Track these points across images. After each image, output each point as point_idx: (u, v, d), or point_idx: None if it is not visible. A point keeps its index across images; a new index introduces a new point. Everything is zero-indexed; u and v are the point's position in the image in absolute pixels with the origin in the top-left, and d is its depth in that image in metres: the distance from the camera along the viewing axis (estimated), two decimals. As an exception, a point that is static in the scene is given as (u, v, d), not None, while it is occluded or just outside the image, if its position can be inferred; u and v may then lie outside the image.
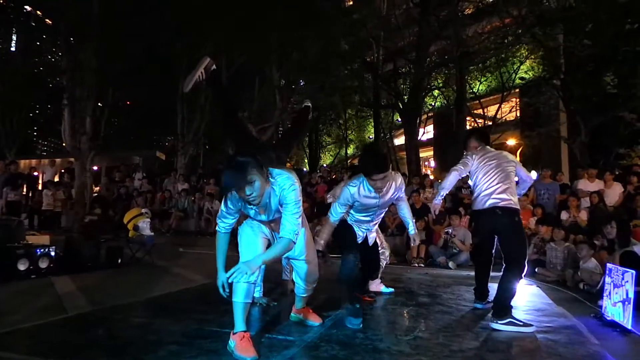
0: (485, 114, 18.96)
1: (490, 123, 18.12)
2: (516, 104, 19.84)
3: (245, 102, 14.42)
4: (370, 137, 25.75)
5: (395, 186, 3.72)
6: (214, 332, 3.05)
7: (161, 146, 25.65)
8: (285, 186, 2.57)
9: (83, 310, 3.50)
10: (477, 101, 18.51)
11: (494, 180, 3.79)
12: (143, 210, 6.71)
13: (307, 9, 12.50)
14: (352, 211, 3.85)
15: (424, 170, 20.92)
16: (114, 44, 14.10)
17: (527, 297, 4.65)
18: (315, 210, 9.21)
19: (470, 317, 3.59)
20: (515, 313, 3.44)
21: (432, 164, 24.19)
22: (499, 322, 3.29)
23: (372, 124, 22.79)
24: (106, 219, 9.32)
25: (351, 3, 19.28)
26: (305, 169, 23.21)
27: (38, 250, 4.86)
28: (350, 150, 27.25)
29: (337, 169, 19.65)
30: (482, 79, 18.57)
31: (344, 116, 24.76)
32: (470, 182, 4.28)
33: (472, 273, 6.00)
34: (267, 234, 2.88)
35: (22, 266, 4.67)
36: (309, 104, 4.51)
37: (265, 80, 14.05)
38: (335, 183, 10.59)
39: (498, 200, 3.67)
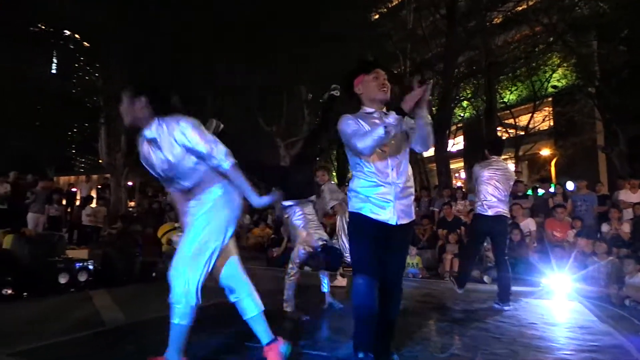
0: (517, 123, 18.55)
1: (522, 133, 17.70)
2: (549, 113, 19.34)
3: (274, 118, 14.60)
4: (399, 149, 25.53)
5: None
6: (244, 346, 3.04)
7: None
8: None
9: (119, 323, 3.57)
10: (508, 111, 18.14)
11: (501, 191, 4.62)
12: (176, 225, 6.82)
13: (331, 25, 12.63)
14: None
15: (454, 182, 20.56)
16: (147, 64, 14.61)
17: (568, 314, 4.46)
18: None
19: (510, 335, 3.45)
20: (557, 331, 3.30)
21: (463, 175, 23.74)
22: (505, 305, 4.48)
23: (400, 136, 22.59)
24: (126, 233, 9.62)
25: (377, 17, 19.33)
26: (333, 182, 23.17)
27: (77, 264, 5.01)
28: (378, 163, 27.04)
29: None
30: (513, 89, 18.22)
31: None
32: (476, 187, 4.84)
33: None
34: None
35: (62, 279, 4.81)
36: (337, 93, 4.37)
37: (293, 94, 14.21)
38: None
39: (502, 210, 4.61)
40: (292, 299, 3.81)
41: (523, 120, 18.48)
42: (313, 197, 4.18)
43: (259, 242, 9.26)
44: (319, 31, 12.28)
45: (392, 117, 2.24)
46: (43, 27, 17.93)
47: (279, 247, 7.97)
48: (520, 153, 17.72)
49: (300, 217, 3.96)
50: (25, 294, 4.31)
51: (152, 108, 2.31)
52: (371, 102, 2.53)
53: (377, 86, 2.48)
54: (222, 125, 3.77)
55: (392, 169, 2.47)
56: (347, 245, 4.46)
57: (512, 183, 4.86)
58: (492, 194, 4.59)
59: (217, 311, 4.19)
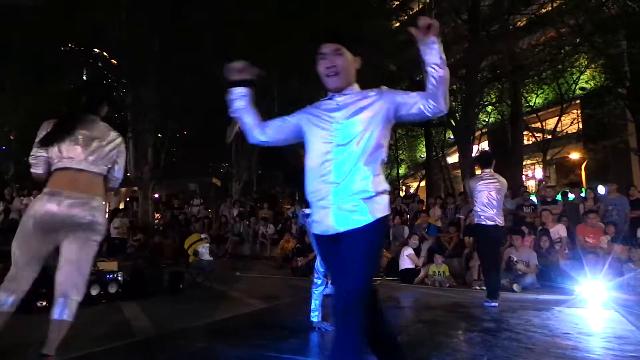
0: (544, 127, 18.14)
1: (549, 137, 17.31)
2: (577, 115, 18.86)
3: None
4: (422, 156, 25.33)
5: None
6: (272, 358, 3.04)
7: (216, 173, 26.55)
8: None
9: (149, 334, 3.62)
10: (535, 114, 17.77)
11: (496, 202, 5.10)
12: (202, 236, 6.94)
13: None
14: None
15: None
16: (172, 79, 14.96)
17: (604, 323, 4.30)
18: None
19: (543, 345, 3.34)
20: (593, 341, 3.18)
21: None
22: (493, 302, 4.91)
23: (424, 142, 22.44)
24: (147, 244, 9.81)
25: (397, 24, 19.31)
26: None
27: (108, 275, 5.12)
28: (402, 171, 26.90)
29: (389, 190, 19.38)
30: (539, 92, 17.85)
31: (394, 136, 24.58)
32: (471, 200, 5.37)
33: (540, 297, 5.69)
34: None
35: (94, 291, 4.91)
36: None
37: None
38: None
39: (498, 220, 5.09)
40: (319, 309, 3.79)
41: (550, 123, 18.07)
42: None
43: (284, 253, 9.29)
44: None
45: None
46: (73, 46, 18.65)
47: (304, 256, 7.97)
48: (548, 157, 17.31)
49: None
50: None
51: None
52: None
53: (322, 71, 1.99)
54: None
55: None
56: None
57: (504, 192, 5.40)
58: (487, 206, 5.10)
59: (236, 323, 4.24)
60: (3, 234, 9.39)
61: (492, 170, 5.33)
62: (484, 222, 5.09)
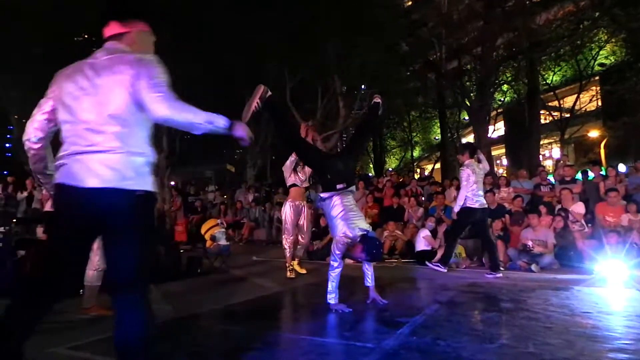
0: (562, 105, 17.73)
1: (567, 115, 16.93)
2: (596, 92, 18.37)
3: (308, 113, 14.65)
4: (437, 137, 25.06)
5: None
6: (290, 339, 3.08)
7: (231, 159, 26.69)
8: None
9: (169, 317, 3.69)
10: (552, 92, 17.37)
11: (481, 188, 5.95)
12: (219, 221, 7.01)
13: (363, 16, 12.47)
14: None
15: (496, 169, 19.96)
16: (184, 65, 14.94)
17: (625, 302, 4.24)
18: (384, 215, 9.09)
19: (562, 324, 3.31)
20: (614, 320, 3.14)
21: (505, 162, 23.01)
22: (497, 273, 5.68)
23: (438, 124, 22.17)
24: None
25: (410, 3, 18.93)
26: (370, 174, 23.06)
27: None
28: (416, 153, 26.68)
29: (404, 173, 19.28)
30: (557, 69, 17.40)
31: (408, 118, 24.32)
32: (466, 186, 5.83)
33: (559, 276, 5.63)
34: None
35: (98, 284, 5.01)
36: (379, 100, 4.52)
37: (327, 88, 14.17)
38: (402, 187, 10.40)
39: (484, 202, 5.95)
40: (336, 291, 3.80)
41: (568, 101, 17.66)
42: (352, 188, 4.13)
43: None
44: (350, 25, 12.17)
45: None
46: (86, 37, 18.77)
47: (320, 240, 8.01)
48: (566, 136, 16.96)
49: (338, 208, 3.92)
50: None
51: None
52: None
53: None
54: None
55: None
56: None
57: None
58: (477, 191, 5.80)
59: (253, 306, 4.29)
60: (26, 224, 9.62)
61: (478, 157, 6.09)
62: (474, 206, 5.77)
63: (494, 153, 18.36)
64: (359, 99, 14.94)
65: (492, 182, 9.04)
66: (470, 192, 5.77)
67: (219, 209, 12.30)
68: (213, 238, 6.41)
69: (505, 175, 12.69)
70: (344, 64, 13.30)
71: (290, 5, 12.18)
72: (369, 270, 4.07)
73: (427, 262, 6.46)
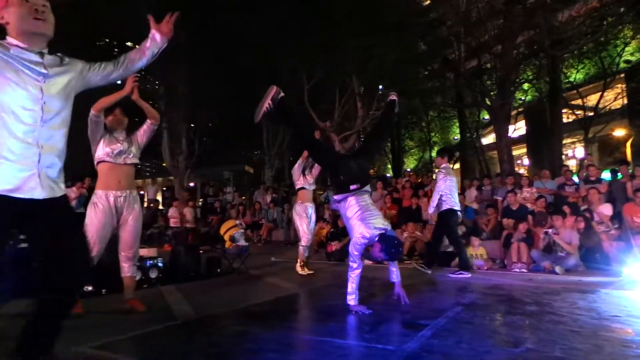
0: (585, 104, 17.32)
1: (591, 114, 16.52)
2: (622, 90, 17.88)
3: (326, 114, 14.64)
4: (456, 137, 24.76)
5: None
6: (309, 341, 3.05)
7: (249, 161, 26.87)
8: None
9: (189, 317, 3.71)
10: (575, 91, 16.98)
11: (456, 190, 6.21)
12: (237, 222, 7.04)
13: (381, 15, 12.40)
14: None
15: (517, 169, 19.60)
16: (202, 69, 15.13)
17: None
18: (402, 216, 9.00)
19: (590, 328, 3.21)
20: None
21: (526, 162, 22.58)
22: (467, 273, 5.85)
23: (457, 124, 21.91)
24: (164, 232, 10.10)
25: (428, 2, 18.74)
26: (388, 175, 22.92)
27: (148, 261, 5.28)
28: (434, 153, 26.41)
29: (422, 173, 19.10)
30: (580, 67, 17.02)
31: (426, 118, 24.09)
32: (440, 187, 6.04)
33: (585, 279, 5.48)
34: None
35: (136, 277, 5.08)
36: (395, 98, 4.49)
37: (345, 89, 14.14)
38: (421, 187, 10.29)
39: (458, 205, 6.23)
40: (356, 292, 3.76)
41: (592, 100, 17.24)
42: (367, 188, 4.07)
43: (318, 238, 9.31)
44: (369, 20, 12.12)
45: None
46: (107, 41, 19.18)
47: (338, 241, 7.97)
48: (590, 135, 16.55)
49: (354, 208, 3.87)
50: (104, 290, 4.60)
51: None
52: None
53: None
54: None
55: None
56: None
57: None
58: (454, 194, 6.08)
59: (273, 307, 4.28)
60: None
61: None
62: (456, 208, 6.09)
63: (515, 153, 18.05)
64: (377, 99, 14.85)
65: (513, 182, 8.86)
66: (450, 194, 6.01)
67: (237, 210, 12.38)
68: (232, 239, 6.43)
69: (527, 175, 12.43)
70: (361, 64, 13.24)
71: (308, 5, 12.21)
72: (394, 267, 4.02)
73: (449, 275, 6.12)
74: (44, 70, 1.85)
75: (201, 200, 14.58)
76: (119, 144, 3.72)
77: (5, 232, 1.80)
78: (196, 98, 15.78)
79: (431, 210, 6.23)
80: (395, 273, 4.03)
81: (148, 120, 3.99)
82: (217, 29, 13.94)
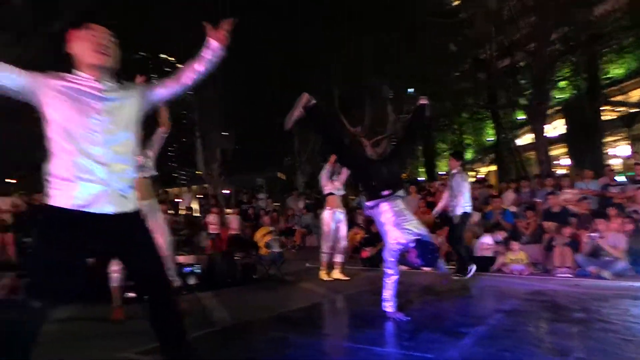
0: (627, 100, 16.57)
1: (636, 110, 15.79)
2: (667, 84, 17.01)
3: (356, 120, 14.61)
4: (489, 139, 24.17)
5: None
6: (347, 348, 3.02)
7: (281, 167, 27.13)
8: None
9: (227, 324, 3.75)
10: (615, 87, 16.28)
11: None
12: (271, 228, 7.10)
13: (408, 20, 12.32)
14: None
15: (556, 169, 18.92)
16: (234, 77, 15.40)
17: None
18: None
19: (644, 336, 3.04)
20: None
21: (567, 161, 21.75)
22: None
23: (491, 125, 21.38)
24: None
25: (457, 2, 18.46)
26: (421, 178, 22.60)
27: (186, 268, 5.39)
28: (468, 155, 25.87)
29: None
30: (620, 62, 16.31)
31: (458, 120, 23.64)
32: (467, 187, 6.05)
33: (637, 284, 5.20)
34: None
35: (175, 283, 5.19)
36: (425, 102, 4.43)
37: (375, 93, 14.08)
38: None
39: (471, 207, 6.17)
40: (393, 299, 3.70)
41: (634, 95, 16.46)
42: (400, 193, 4.01)
43: (352, 244, 9.25)
44: (396, 21, 12.05)
45: None
46: (144, 54, 19.93)
47: (372, 246, 7.90)
48: (635, 132, 15.81)
49: (387, 214, 3.82)
50: (145, 297, 4.72)
51: None
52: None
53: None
54: None
55: None
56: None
57: None
58: (469, 196, 6.04)
59: (309, 313, 4.26)
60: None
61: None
62: (469, 210, 6.05)
63: (553, 153, 17.46)
64: (407, 102, 14.71)
65: (553, 184, 8.55)
66: (465, 199, 5.95)
67: (271, 216, 12.48)
68: (267, 245, 6.49)
69: (568, 175, 11.97)
70: (390, 67, 13.17)
71: (336, 11, 12.27)
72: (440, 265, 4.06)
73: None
74: (105, 96, 1.99)
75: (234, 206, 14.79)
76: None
77: (83, 245, 1.93)
78: (228, 106, 16.10)
79: (459, 212, 5.97)
80: (441, 262, 4.07)
81: (160, 129, 4.08)
82: (248, 36, 14.19)
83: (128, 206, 2.00)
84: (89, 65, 1.98)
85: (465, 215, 6.04)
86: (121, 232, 1.97)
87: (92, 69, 1.98)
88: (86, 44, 1.97)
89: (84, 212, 1.88)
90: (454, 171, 6.25)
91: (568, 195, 7.78)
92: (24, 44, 6.44)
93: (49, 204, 1.89)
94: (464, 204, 5.96)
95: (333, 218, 6.19)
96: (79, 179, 1.88)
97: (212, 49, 2.24)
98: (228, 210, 11.88)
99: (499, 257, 6.56)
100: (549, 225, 7.04)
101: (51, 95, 1.90)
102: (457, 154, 6.71)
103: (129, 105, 2.05)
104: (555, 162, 21.09)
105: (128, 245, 2.03)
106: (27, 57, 7.05)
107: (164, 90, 2.21)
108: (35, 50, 7.31)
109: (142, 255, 2.05)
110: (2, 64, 1.85)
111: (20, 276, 4.94)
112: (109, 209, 1.92)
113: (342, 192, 6.48)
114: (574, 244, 6.47)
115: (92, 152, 1.91)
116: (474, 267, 5.83)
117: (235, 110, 17.24)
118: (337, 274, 6.11)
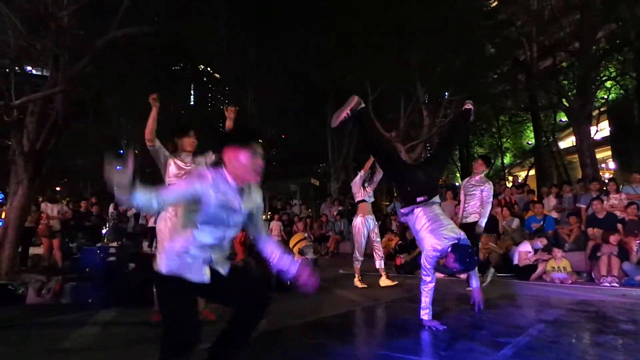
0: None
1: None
2: None
3: (391, 124, 14.49)
4: (530, 142, 23.40)
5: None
6: (382, 356, 2.99)
7: (314, 173, 27.27)
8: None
9: (263, 329, 3.78)
10: (666, 86, 15.41)
11: None
12: (305, 235, 7.13)
13: (447, 19, 12.11)
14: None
15: (601, 173, 18.09)
16: (269, 84, 15.67)
17: None
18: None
19: (700, 352, 2.85)
20: None
21: (612, 165, 20.78)
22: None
23: (530, 128, 20.71)
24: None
25: (495, 3, 18.04)
26: (457, 184, 22.13)
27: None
28: (507, 160, 25.14)
29: (495, 181, 18.21)
30: (672, 59, 15.42)
31: (497, 124, 23.03)
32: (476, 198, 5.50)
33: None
34: None
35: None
36: (471, 106, 4.35)
37: (410, 97, 13.93)
38: (494, 196, 9.79)
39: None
40: (430, 306, 3.64)
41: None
42: (436, 199, 3.92)
43: (387, 250, 9.18)
44: (431, 31, 11.89)
45: None
46: (182, 65, 20.56)
47: (407, 253, 7.80)
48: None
49: (422, 220, 3.75)
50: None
51: None
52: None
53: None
54: None
55: None
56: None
57: None
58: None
59: (344, 320, 4.24)
60: (135, 238, 10.56)
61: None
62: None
63: (598, 156, 16.71)
64: (444, 106, 14.46)
65: (598, 188, 8.18)
66: (490, 206, 5.55)
67: (305, 223, 12.55)
68: (301, 252, 6.51)
69: (613, 179, 11.43)
70: (427, 70, 12.99)
71: (372, 13, 12.24)
72: (473, 275, 3.88)
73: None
74: (238, 197, 2.18)
75: (269, 213, 14.95)
76: (188, 167, 3.86)
77: (191, 299, 2.20)
78: (263, 113, 16.36)
79: (483, 222, 5.39)
80: (474, 278, 3.87)
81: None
82: (284, 44, 14.40)
83: (222, 272, 2.27)
84: (239, 177, 2.16)
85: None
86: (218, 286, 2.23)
87: (239, 179, 2.16)
88: (247, 163, 2.13)
89: (185, 277, 2.15)
90: (479, 177, 5.61)
91: (614, 200, 7.43)
92: (82, 64, 6.79)
93: None
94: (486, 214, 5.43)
95: (365, 225, 6.21)
96: (187, 256, 2.17)
97: (287, 271, 2.35)
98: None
99: (539, 265, 6.33)
100: (594, 232, 6.75)
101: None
102: (487, 159, 6.33)
103: (249, 208, 2.25)
104: (601, 166, 20.20)
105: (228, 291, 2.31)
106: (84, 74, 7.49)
107: (252, 226, 2.35)
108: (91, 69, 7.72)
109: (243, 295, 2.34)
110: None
111: (65, 280, 5.18)
112: (206, 279, 2.18)
113: (372, 199, 6.50)
114: (622, 252, 6.16)
115: (206, 245, 2.17)
116: (492, 270, 5.76)
117: (271, 116, 17.50)
118: (384, 281, 6.08)
